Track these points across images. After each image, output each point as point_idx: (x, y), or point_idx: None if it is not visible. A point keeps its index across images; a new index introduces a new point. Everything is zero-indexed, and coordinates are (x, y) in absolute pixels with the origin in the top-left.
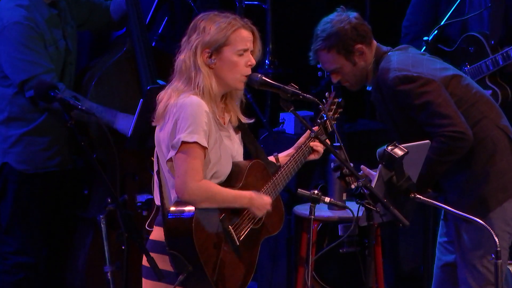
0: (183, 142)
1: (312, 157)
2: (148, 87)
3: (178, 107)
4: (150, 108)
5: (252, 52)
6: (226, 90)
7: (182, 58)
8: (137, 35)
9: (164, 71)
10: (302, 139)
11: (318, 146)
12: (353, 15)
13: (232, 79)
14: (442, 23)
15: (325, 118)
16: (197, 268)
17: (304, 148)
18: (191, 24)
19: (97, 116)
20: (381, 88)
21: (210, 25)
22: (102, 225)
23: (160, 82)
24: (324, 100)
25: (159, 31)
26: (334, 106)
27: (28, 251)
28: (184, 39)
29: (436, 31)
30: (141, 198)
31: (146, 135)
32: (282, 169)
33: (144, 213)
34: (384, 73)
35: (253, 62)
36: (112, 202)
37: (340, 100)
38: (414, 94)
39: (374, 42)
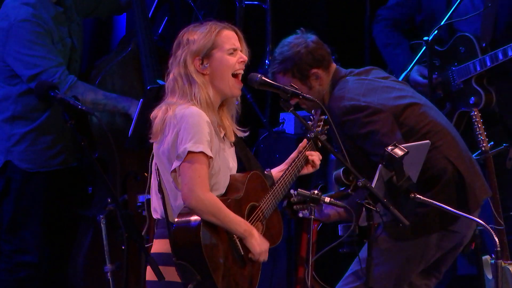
0: (190, 152)
1: (306, 171)
2: (148, 87)
3: (179, 119)
4: (150, 107)
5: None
6: (222, 97)
7: (172, 76)
8: (142, 35)
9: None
10: (294, 154)
11: (314, 155)
12: (311, 38)
13: (227, 82)
14: (442, 23)
15: (314, 134)
16: (205, 277)
17: (297, 162)
18: (174, 43)
19: (98, 116)
20: (331, 115)
21: (193, 35)
22: (102, 225)
23: (160, 82)
24: (311, 117)
25: (159, 31)
26: (322, 123)
27: (30, 250)
28: (170, 60)
29: (436, 31)
30: (142, 198)
31: (146, 135)
32: (280, 181)
33: (144, 213)
34: (335, 101)
35: (245, 58)
36: (112, 202)
37: (326, 117)
38: (360, 123)
39: (333, 65)
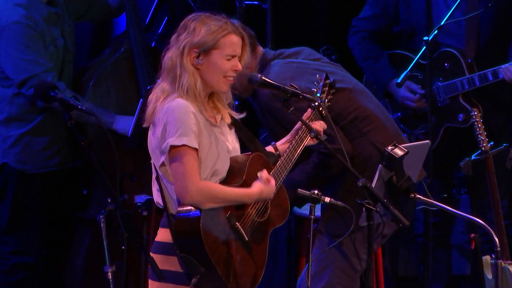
0: (172, 147)
1: (311, 142)
2: (148, 87)
3: (165, 112)
4: None
5: (240, 57)
6: (210, 90)
7: (170, 55)
8: (135, 36)
9: None
10: (298, 124)
11: (317, 124)
12: (234, 23)
13: (217, 81)
14: (442, 23)
15: (319, 102)
16: (209, 268)
17: (301, 134)
18: (182, 23)
19: (97, 116)
20: (259, 100)
21: (201, 27)
22: (102, 225)
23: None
24: (315, 82)
25: (159, 31)
26: (327, 88)
27: (28, 251)
28: (173, 37)
29: (436, 31)
30: (139, 198)
31: (146, 135)
32: (282, 158)
33: (144, 213)
34: None
35: (239, 67)
36: (112, 202)
37: (331, 80)
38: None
39: (260, 48)
